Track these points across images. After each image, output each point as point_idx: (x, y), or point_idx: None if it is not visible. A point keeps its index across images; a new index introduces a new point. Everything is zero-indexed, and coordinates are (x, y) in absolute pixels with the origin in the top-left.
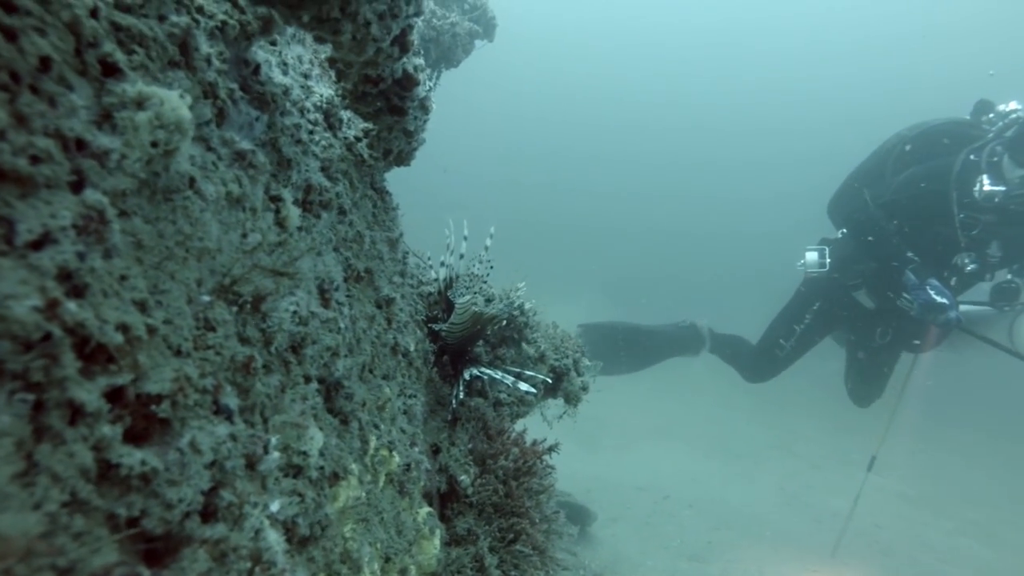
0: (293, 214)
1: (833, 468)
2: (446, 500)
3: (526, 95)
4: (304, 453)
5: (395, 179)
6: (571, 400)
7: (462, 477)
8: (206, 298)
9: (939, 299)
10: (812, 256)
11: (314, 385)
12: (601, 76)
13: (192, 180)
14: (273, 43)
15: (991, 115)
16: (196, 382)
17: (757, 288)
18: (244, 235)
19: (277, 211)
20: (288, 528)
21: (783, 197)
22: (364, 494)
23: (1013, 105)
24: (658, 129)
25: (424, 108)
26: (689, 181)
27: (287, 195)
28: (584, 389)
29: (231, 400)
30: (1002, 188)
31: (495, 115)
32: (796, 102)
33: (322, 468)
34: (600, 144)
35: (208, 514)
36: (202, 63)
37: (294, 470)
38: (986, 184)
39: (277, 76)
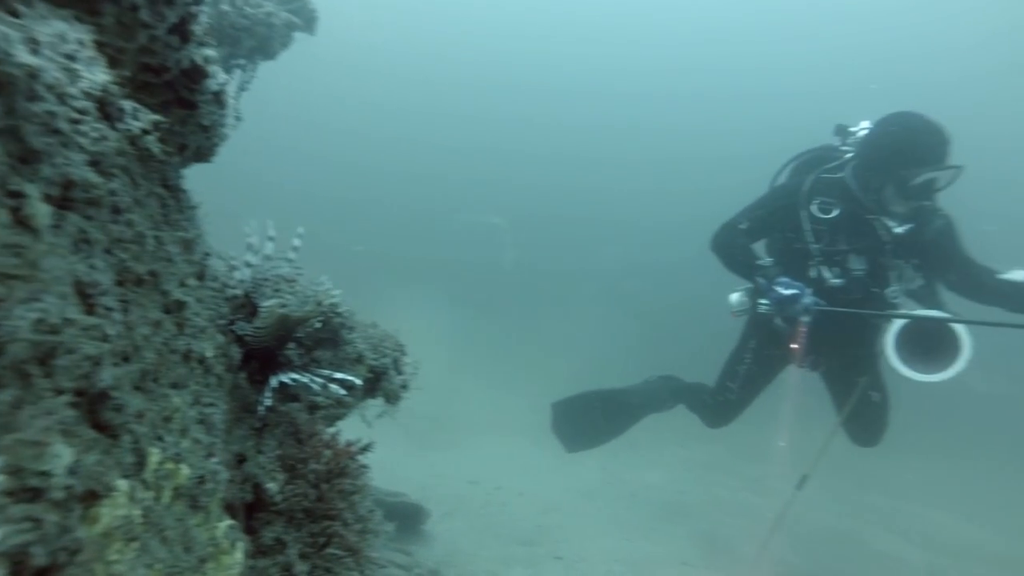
0: (41, 212)
1: (648, 445)
2: (253, 510)
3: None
4: (45, 473)
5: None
6: (391, 399)
7: (269, 485)
8: None
9: (786, 291)
10: (735, 296)
11: (65, 398)
12: (428, 71)
13: None
14: (14, 14)
15: (849, 138)
16: None
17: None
18: None
19: (17, 209)
20: (16, 560)
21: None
22: (138, 512)
23: (864, 124)
24: (509, 118)
25: (219, 102)
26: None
27: (32, 191)
28: (404, 387)
29: None
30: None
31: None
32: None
33: (71, 487)
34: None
35: None
36: None
37: (30, 493)
38: (817, 202)
39: (21, 55)
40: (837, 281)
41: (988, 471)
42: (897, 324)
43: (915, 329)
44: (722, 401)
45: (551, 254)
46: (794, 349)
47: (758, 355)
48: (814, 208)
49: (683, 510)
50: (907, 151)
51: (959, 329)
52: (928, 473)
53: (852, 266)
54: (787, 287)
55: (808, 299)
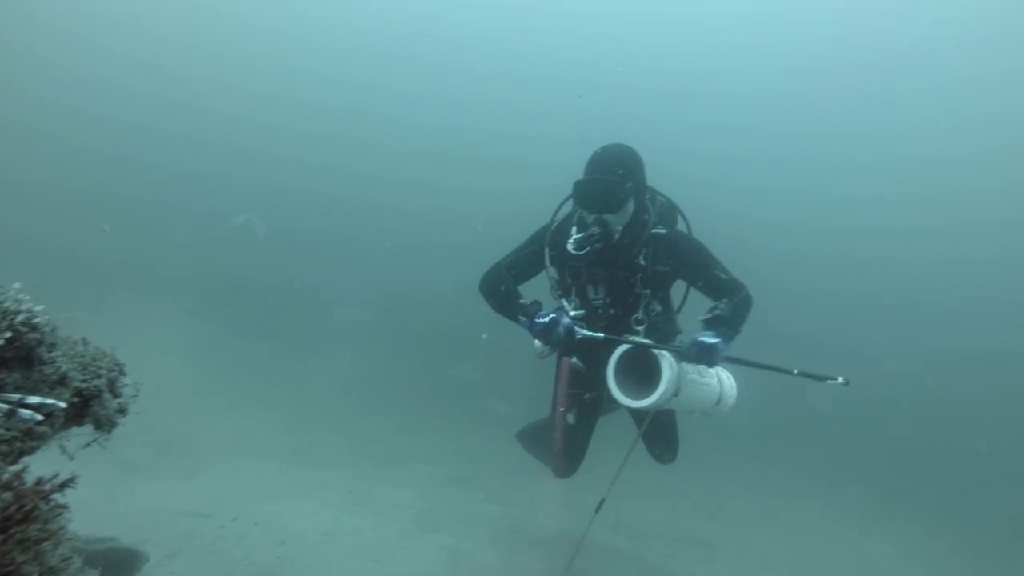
0: None
1: (396, 463)
2: None
3: None
4: None
5: None
6: (104, 426)
7: None
8: None
9: (541, 321)
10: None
11: None
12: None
13: None
14: None
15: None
16: None
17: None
18: None
19: None
20: None
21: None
22: None
23: None
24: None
25: None
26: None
27: None
28: (121, 412)
29: None
30: (582, 235)
31: None
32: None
33: None
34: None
35: None
36: None
37: None
38: (573, 234)
39: None
40: (579, 312)
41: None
42: (620, 350)
43: (635, 355)
44: (561, 451)
45: (313, 264)
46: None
47: (568, 398)
48: (570, 242)
49: (430, 526)
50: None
51: (661, 358)
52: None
53: (593, 296)
54: (542, 316)
55: (565, 319)
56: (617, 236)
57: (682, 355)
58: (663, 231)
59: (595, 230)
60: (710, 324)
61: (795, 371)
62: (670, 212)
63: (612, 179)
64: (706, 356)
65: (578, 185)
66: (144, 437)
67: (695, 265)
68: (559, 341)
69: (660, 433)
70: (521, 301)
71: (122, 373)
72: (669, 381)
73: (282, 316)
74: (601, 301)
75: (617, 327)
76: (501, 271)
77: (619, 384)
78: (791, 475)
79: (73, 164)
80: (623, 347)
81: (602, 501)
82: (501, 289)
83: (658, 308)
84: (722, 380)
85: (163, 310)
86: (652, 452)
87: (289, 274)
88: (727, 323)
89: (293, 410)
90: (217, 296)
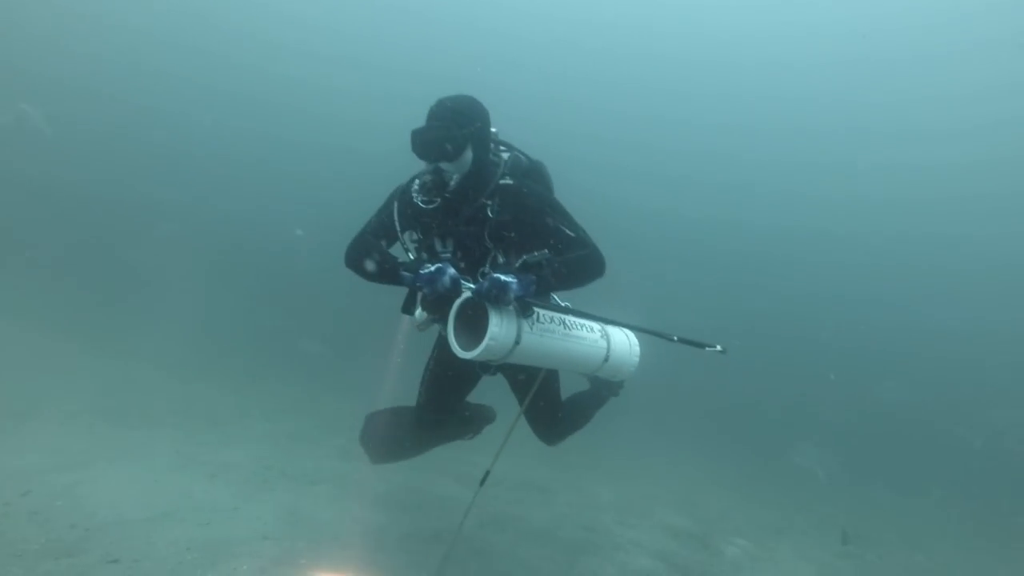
0: None
1: (230, 421)
2: None
3: None
4: None
5: None
6: None
7: None
8: None
9: (426, 272)
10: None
11: None
12: None
13: None
14: None
15: None
16: None
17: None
18: None
19: None
20: None
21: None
22: None
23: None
24: None
25: None
26: None
27: None
28: None
29: None
30: (419, 183)
31: None
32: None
33: None
34: None
35: None
36: None
37: None
38: (415, 187)
39: None
40: (432, 267)
41: None
42: (458, 301)
43: (475, 307)
44: (418, 407)
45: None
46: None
47: (440, 361)
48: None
49: (267, 485)
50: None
51: (491, 310)
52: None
53: (440, 249)
54: (430, 266)
55: (451, 271)
56: (454, 185)
57: (476, 291)
58: (510, 182)
59: (428, 178)
60: (522, 266)
61: (675, 337)
62: (537, 173)
63: (445, 125)
64: (495, 293)
65: (413, 133)
66: None
67: (539, 215)
68: (445, 292)
69: (542, 410)
70: (399, 260)
71: None
72: (497, 326)
73: (102, 258)
74: (449, 255)
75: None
76: (367, 237)
77: (458, 338)
78: (623, 425)
79: None
80: (460, 299)
81: (487, 473)
82: (372, 254)
83: (502, 261)
84: (611, 337)
85: None
86: (536, 431)
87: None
88: (539, 270)
89: (113, 367)
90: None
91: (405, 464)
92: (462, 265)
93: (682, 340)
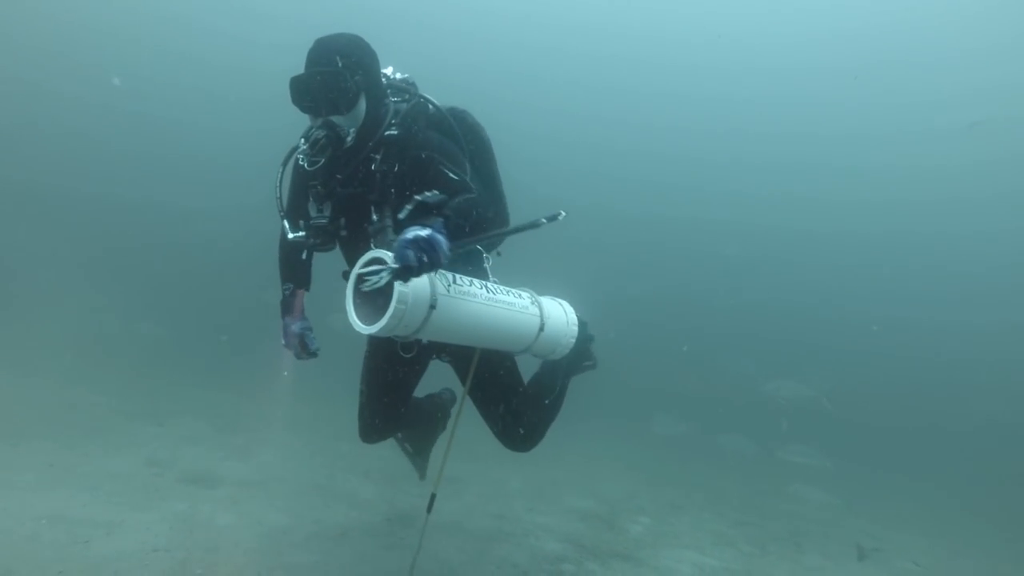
0: None
1: (114, 429)
2: None
3: None
4: None
5: None
6: None
7: None
8: None
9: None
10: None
11: None
12: None
13: None
14: None
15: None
16: None
17: None
18: None
19: None
20: None
21: None
22: None
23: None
24: None
25: None
26: None
27: None
28: None
29: None
30: (306, 143)
31: None
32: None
33: None
34: None
35: None
36: None
37: None
38: (301, 146)
39: None
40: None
41: None
42: (354, 272)
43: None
44: (360, 407)
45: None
46: None
47: (374, 352)
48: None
49: (159, 493)
50: None
51: (396, 284)
52: None
53: (327, 212)
54: (290, 323)
55: (295, 327)
56: (351, 141)
57: (400, 263)
58: (395, 132)
59: (319, 133)
60: (415, 213)
61: (543, 219)
62: (445, 123)
63: (333, 71)
64: (425, 258)
65: (293, 81)
66: None
67: (423, 163)
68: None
69: (496, 399)
70: (284, 290)
71: None
72: (401, 292)
73: None
74: (324, 222)
75: (356, 249)
76: (283, 238)
77: (359, 311)
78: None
79: None
80: (358, 266)
81: (432, 497)
82: (281, 267)
83: (389, 223)
84: (543, 304)
85: None
86: (498, 434)
87: None
88: (437, 210)
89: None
90: None
91: (310, 461)
92: (344, 233)
93: (532, 224)
